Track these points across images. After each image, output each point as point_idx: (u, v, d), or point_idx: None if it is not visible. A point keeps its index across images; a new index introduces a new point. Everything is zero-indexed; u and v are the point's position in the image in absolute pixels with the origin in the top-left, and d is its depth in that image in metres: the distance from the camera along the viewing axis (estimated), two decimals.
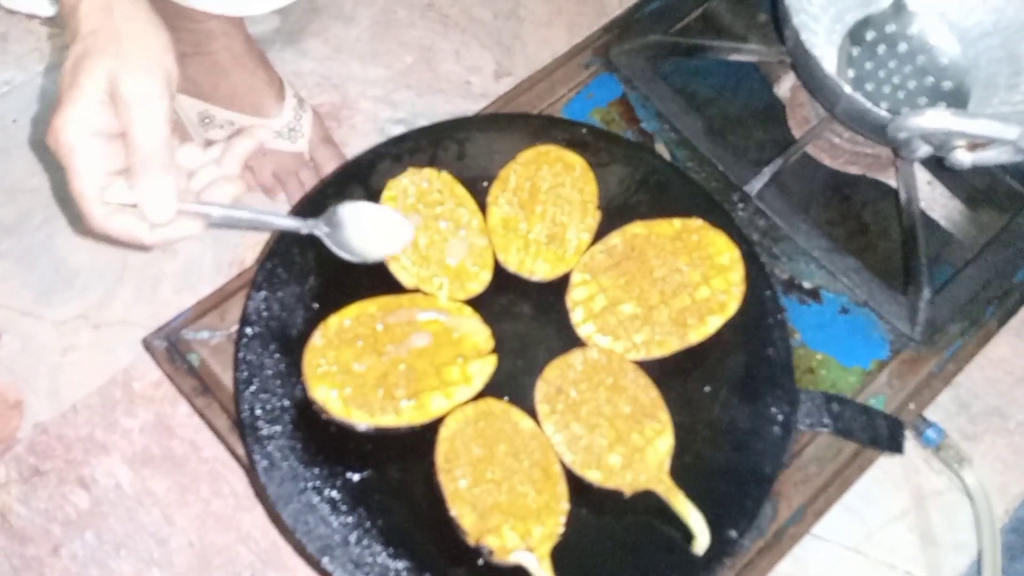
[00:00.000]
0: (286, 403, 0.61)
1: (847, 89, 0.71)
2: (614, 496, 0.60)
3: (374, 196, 0.68)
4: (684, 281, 0.67)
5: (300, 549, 0.57)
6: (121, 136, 0.54)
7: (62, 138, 0.53)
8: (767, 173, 0.77)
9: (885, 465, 0.87)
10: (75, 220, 0.90)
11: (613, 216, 0.69)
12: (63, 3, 0.57)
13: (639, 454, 0.61)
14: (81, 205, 0.55)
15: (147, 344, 0.67)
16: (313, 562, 0.57)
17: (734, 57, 0.85)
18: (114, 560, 0.77)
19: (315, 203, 0.68)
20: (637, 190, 0.72)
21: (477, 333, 0.64)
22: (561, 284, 0.67)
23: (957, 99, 0.81)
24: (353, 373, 0.60)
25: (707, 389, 0.65)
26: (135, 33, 0.55)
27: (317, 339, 0.61)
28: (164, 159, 0.54)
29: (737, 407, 0.65)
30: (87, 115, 0.53)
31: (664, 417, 0.62)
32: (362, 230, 0.63)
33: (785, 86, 0.87)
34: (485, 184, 0.70)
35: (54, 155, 0.55)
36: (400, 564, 0.57)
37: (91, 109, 0.53)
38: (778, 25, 0.82)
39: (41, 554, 0.76)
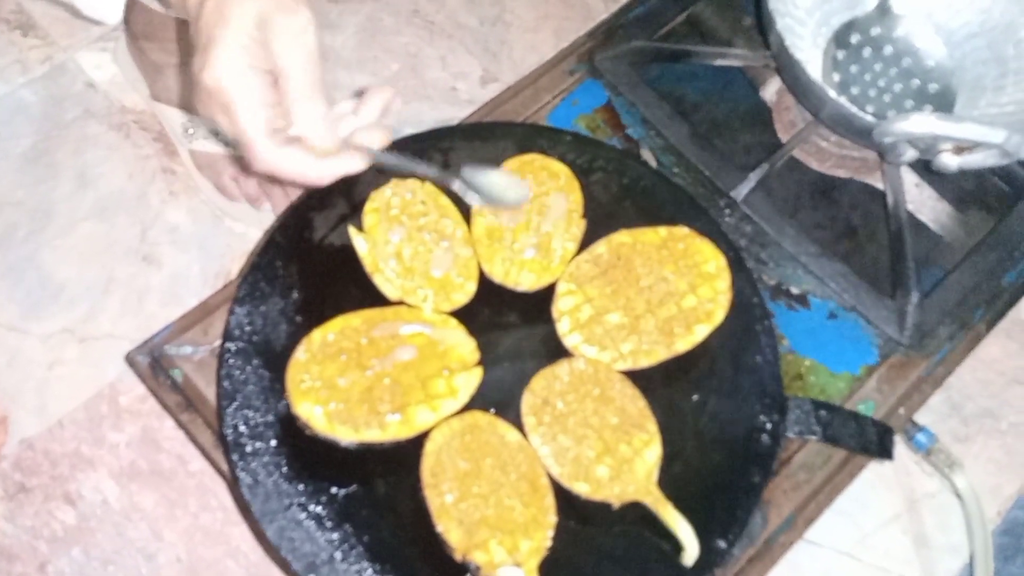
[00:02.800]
0: (270, 419, 0.60)
1: (832, 94, 0.71)
2: (602, 508, 0.60)
3: (357, 208, 0.67)
4: (670, 290, 0.66)
5: (285, 567, 0.57)
6: (270, 72, 0.54)
7: (221, 74, 0.53)
8: (753, 178, 0.77)
9: (877, 469, 0.87)
10: (61, 233, 0.89)
11: (598, 225, 0.69)
12: None
13: (627, 465, 0.60)
14: (248, 142, 0.55)
15: (130, 360, 0.66)
16: None
17: (719, 62, 0.85)
18: None
19: (300, 216, 0.68)
20: (622, 198, 0.72)
21: (462, 345, 0.63)
22: (547, 294, 0.66)
23: (943, 101, 0.81)
24: (337, 388, 0.60)
25: (695, 398, 0.65)
26: None
27: (300, 354, 0.61)
28: (322, 88, 0.55)
29: (725, 416, 0.65)
30: (242, 50, 0.53)
31: (652, 427, 0.62)
32: (489, 186, 0.64)
33: (771, 90, 0.86)
34: None
35: (209, 95, 0.54)
36: None
37: (245, 44, 0.53)
38: (763, 29, 0.81)
39: (28, 571, 0.76)
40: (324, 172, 0.58)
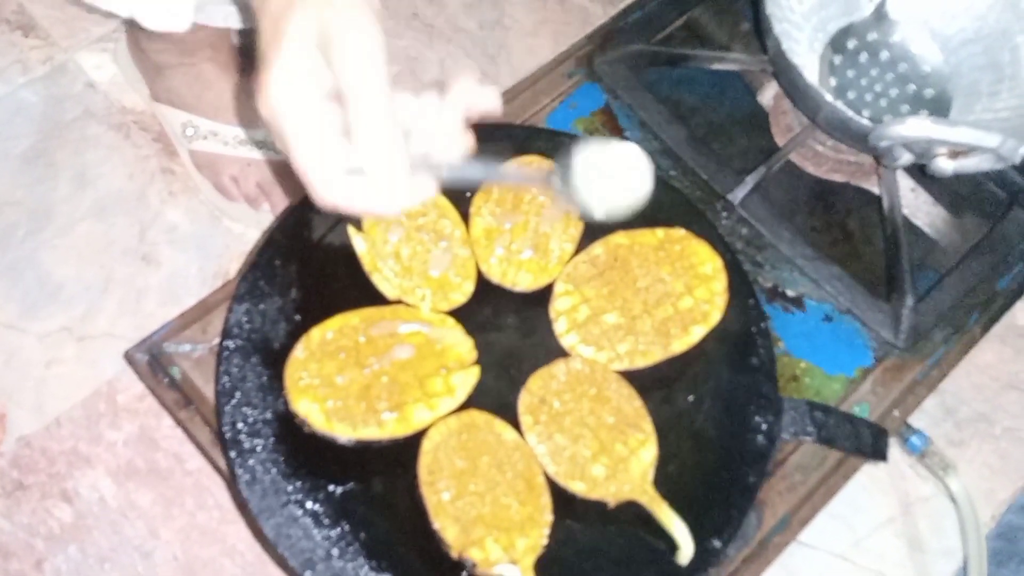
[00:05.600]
0: (268, 416, 0.61)
1: (828, 98, 0.72)
2: (598, 507, 0.60)
3: None
4: (667, 291, 0.67)
5: (282, 563, 0.57)
6: (333, 96, 0.48)
7: (274, 100, 0.46)
8: (750, 181, 0.77)
9: (872, 472, 0.87)
10: (60, 233, 0.89)
11: (596, 226, 0.69)
12: None
13: (623, 464, 0.61)
14: (307, 176, 0.48)
15: (129, 357, 0.66)
16: None
17: (716, 66, 0.85)
18: (98, 574, 0.76)
19: (299, 215, 0.68)
20: None
21: (460, 344, 0.64)
22: (544, 295, 0.67)
23: (939, 107, 0.81)
24: (335, 386, 0.60)
25: (691, 399, 0.65)
26: None
27: (299, 352, 0.61)
28: (390, 113, 0.47)
29: (721, 416, 0.65)
30: (300, 70, 0.47)
31: (648, 427, 0.62)
32: (597, 179, 0.53)
33: (768, 94, 0.87)
34: (468, 194, 0.70)
35: (267, 123, 0.48)
36: None
37: (303, 64, 0.47)
38: (760, 34, 0.82)
39: (24, 568, 0.76)
40: (392, 205, 0.50)
